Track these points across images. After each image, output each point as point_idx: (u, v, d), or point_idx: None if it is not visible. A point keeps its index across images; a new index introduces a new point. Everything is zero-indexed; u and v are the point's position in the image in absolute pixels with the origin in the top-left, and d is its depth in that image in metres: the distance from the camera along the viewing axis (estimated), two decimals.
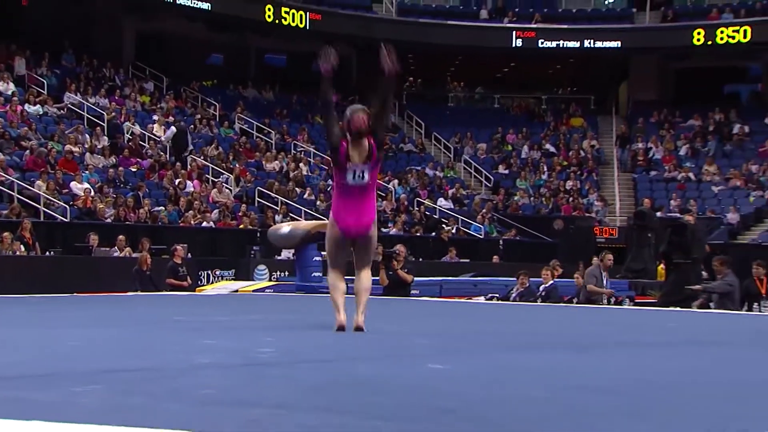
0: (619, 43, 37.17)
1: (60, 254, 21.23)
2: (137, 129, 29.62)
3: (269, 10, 34.05)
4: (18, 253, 19.80)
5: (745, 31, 35.23)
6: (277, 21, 34.24)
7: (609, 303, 17.82)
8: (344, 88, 38.54)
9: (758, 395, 5.16)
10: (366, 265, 8.59)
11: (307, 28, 34.87)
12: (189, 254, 21.36)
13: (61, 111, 29.03)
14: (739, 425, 3.74)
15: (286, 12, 34.38)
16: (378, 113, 8.33)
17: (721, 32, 35.47)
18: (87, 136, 28.00)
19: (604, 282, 18.21)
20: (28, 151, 25.47)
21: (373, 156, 8.21)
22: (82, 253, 21.32)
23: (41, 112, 28.30)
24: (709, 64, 38.64)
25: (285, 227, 21.76)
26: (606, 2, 39.91)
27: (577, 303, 18.14)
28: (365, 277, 8.52)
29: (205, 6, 32.73)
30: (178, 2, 32.12)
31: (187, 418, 3.83)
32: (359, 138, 8.15)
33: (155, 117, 30.81)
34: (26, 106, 28.07)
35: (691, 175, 34.79)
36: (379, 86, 8.48)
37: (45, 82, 29.87)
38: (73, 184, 24.92)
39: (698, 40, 35.86)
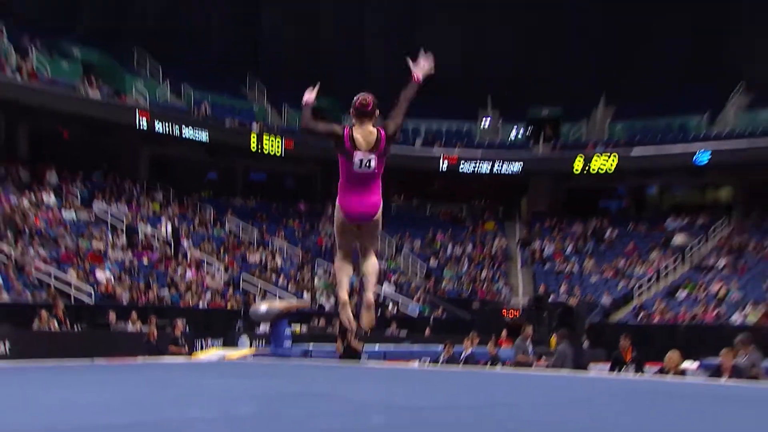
0: (521, 166, 37.59)
1: (86, 329, 21.14)
2: (149, 230, 29.46)
3: (254, 139, 34.20)
4: (53, 328, 19.58)
5: (612, 160, 35.87)
6: (259, 148, 34.38)
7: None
8: (311, 198, 38.66)
9: None
10: (372, 249, 7.41)
11: (282, 154, 34.97)
12: (187, 327, 21.03)
13: (90, 216, 28.79)
14: None
15: (267, 141, 34.53)
16: (396, 110, 7.17)
17: (595, 161, 36.08)
18: (109, 235, 27.81)
19: (530, 350, 18.05)
20: (63, 248, 25.27)
21: (381, 145, 6.92)
22: (103, 328, 21.18)
23: (74, 217, 28.06)
24: (587, 185, 39.11)
25: (263, 306, 21.38)
26: (510, 137, 40.35)
27: (490, 367, 17.92)
28: (372, 261, 7.38)
29: (204, 137, 32.83)
30: (183, 135, 32.21)
31: None
32: (363, 118, 6.90)
33: (163, 220, 30.61)
34: (63, 212, 27.89)
35: (574, 268, 35.04)
36: (407, 87, 7.33)
37: (78, 193, 29.67)
38: (97, 273, 24.78)
39: (578, 166, 36.44)
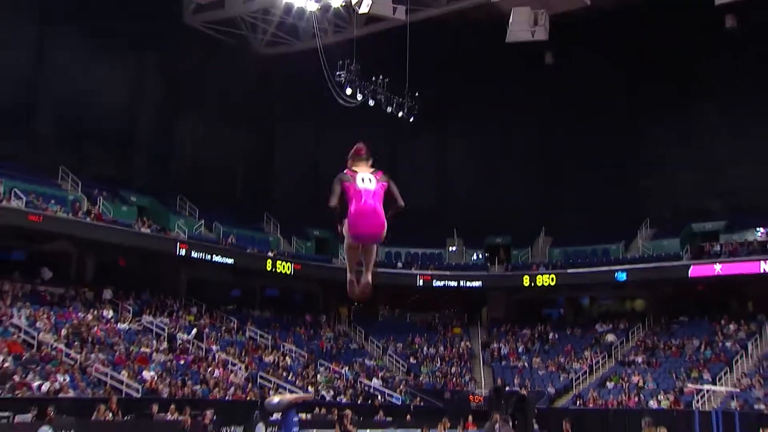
0: (480, 283, 37.84)
1: (133, 419, 20.62)
2: (185, 337, 29.29)
3: (269, 263, 34.37)
4: (107, 419, 19.28)
5: (552, 278, 36.17)
6: (273, 269, 34.51)
7: None
8: (315, 310, 38.62)
9: None
10: (372, 261, 6.70)
11: (292, 273, 35.13)
12: (215, 416, 20.78)
13: (139, 327, 28.69)
14: None
15: (279, 264, 34.68)
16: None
17: (539, 278, 36.34)
18: (154, 342, 27.62)
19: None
20: (117, 352, 25.08)
21: (379, 173, 6.40)
22: (147, 418, 20.80)
23: (127, 328, 27.96)
24: (533, 297, 39.29)
25: (276, 398, 21.10)
26: (472, 259, 40.71)
27: None
28: (372, 250, 6.64)
29: (230, 262, 33.05)
30: (213, 260, 32.43)
31: None
32: (359, 161, 6.47)
33: (195, 330, 30.50)
34: (118, 324, 27.79)
35: (525, 364, 34.86)
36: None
37: (131, 308, 29.62)
38: (144, 372, 24.47)
39: (526, 282, 36.67)
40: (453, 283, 37.82)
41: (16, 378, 20.25)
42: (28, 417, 17.85)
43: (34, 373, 21.09)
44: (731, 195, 36.05)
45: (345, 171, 6.37)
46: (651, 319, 36.13)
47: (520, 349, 36.31)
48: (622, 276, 34.71)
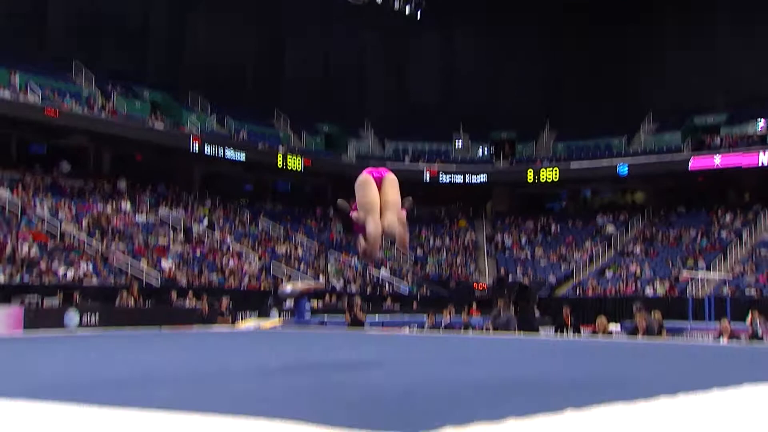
0: (486, 177, 37.71)
1: (154, 305, 21.04)
2: (200, 229, 29.50)
3: (280, 158, 34.24)
4: (129, 305, 19.61)
5: (555, 171, 36.00)
6: (284, 165, 34.41)
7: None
8: (324, 203, 38.70)
9: (571, 384, 5.14)
10: (392, 208, 6.00)
11: (302, 169, 35.04)
12: (230, 304, 21.12)
13: (156, 219, 28.87)
14: (558, 402, 3.70)
15: (290, 159, 34.56)
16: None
17: (542, 173, 36.18)
18: (171, 233, 27.85)
19: (501, 315, 17.74)
20: (136, 243, 25.31)
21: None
22: (166, 304, 21.16)
23: (145, 220, 28.14)
24: (536, 191, 39.24)
25: (288, 287, 21.63)
26: (477, 154, 40.45)
27: (463, 331, 18.03)
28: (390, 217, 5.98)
29: (242, 157, 32.90)
30: (226, 156, 32.27)
31: (224, 406, 3.74)
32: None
33: (206, 219, 30.70)
34: (136, 216, 27.95)
35: (528, 255, 35.16)
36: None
37: (147, 201, 29.74)
38: (162, 262, 24.77)
39: (530, 176, 36.54)
40: (459, 177, 37.69)
41: (42, 265, 20.48)
42: (55, 301, 18.15)
43: (59, 261, 21.32)
44: (733, 88, 35.39)
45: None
46: (650, 211, 36.17)
47: (523, 241, 36.54)
48: (623, 169, 34.50)
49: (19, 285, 18.90)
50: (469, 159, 39.76)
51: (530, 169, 36.62)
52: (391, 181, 6.09)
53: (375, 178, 6.07)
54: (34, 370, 6.57)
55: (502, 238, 37.01)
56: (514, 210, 39.76)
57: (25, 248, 21.09)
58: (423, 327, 18.67)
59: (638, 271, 30.92)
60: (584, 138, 38.04)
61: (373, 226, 5.95)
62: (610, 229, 35.58)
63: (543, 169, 36.16)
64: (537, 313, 23.99)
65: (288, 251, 31.14)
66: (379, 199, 5.99)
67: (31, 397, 4.05)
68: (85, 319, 17.34)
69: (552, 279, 32.28)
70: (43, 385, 5.04)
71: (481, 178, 37.65)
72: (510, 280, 32.02)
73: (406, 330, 19.26)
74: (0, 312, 16.06)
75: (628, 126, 37.37)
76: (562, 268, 33.39)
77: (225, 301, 20.14)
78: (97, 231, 24.74)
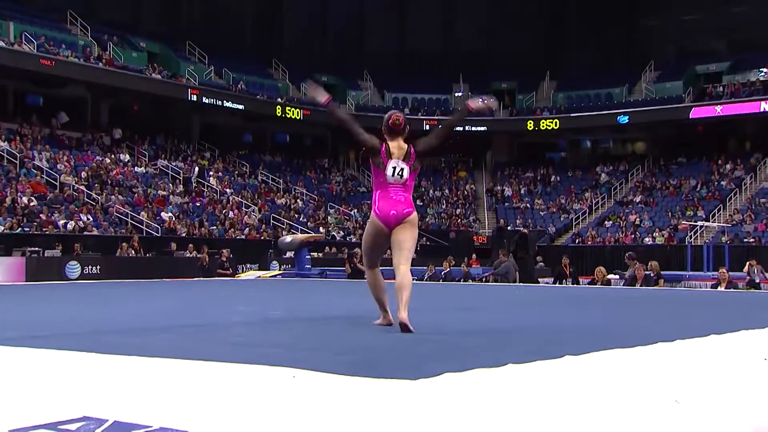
0: (486, 127, 37.49)
1: (154, 256, 21.09)
2: (200, 180, 29.46)
3: (279, 109, 33.99)
4: (130, 255, 19.66)
5: (555, 122, 35.79)
6: (283, 115, 34.17)
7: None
8: (324, 154, 38.58)
9: (569, 332, 5.18)
10: (406, 261, 5.28)
11: (301, 119, 34.80)
12: (231, 255, 21.20)
13: (156, 170, 28.80)
14: (556, 349, 3.73)
15: (288, 110, 34.30)
16: (436, 131, 5.81)
17: (542, 123, 35.98)
18: (170, 185, 27.82)
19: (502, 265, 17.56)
20: (136, 194, 25.31)
21: (412, 158, 5.33)
22: (167, 255, 21.22)
23: (144, 171, 28.07)
24: (536, 140, 39.03)
25: (288, 238, 21.70)
26: None
27: (462, 282, 18.15)
28: (405, 273, 5.22)
29: (241, 107, 32.65)
30: (225, 105, 32.01)
31: (223, 354, 3.76)
32: (396, 135, 5.41)
33: (210, 173, 30.67)
34: (135, 167, 27.88)
35: (527, 205, 35.18)
36: (456, 113, 5.25)
37: (146, 153, 29.63)
38: (162, 213, 24.79)
39: (530, 126, 36.35)
40: (458, 128, 37.30)
41: (43, 216, 20.48)
42: (55, 253, 18.19)
43: (59, 212, 21.32)
44: (736, 35, 34.97)
45: (381, 146, 5.35)
46: (650, 161, 36.06)
47: (522, 191, 36.52)
48: (624, 119, 34.28)
49: (19, 235, 18.92)
50: None
51: (530, 120, 36.41)
52: (410, 226, 5.35)
53: (391, 218, 5.31)
54: (38, 318, 6.61)
55: (502, 188, 36.98)
56: (513, 160, 39.65)
57: (25, 199, 21.08)
58: (422, 277, 18.79)
59: (638, 220, 30.98)
60: (585, 88, 37.71)
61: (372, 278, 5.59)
62: (604, 177, 35.54)
63: (543, 120, 35.95)
64: (541, 263, 24.07)
65: (288, 203, 31.14)
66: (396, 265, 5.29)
67: (35, 345, 4.07)
68: (86, 270, 17.42)
69: (551, 229, 32.35)
70: (48, 333, 5.07)
71: (481, 128, 37.41)
72: (509, 229, 32.01)
73: None
74: (3, 263, 16.12)
75: (630, 75, 37.02)
76: (562, 218, 33.44)
77: (225, 253, 20.21)
78: (96, 182, 24.69)
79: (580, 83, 37.70)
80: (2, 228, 18.88)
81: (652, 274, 14.56)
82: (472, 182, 38.32)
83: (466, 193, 37.17)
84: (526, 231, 26.97)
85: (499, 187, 37.15)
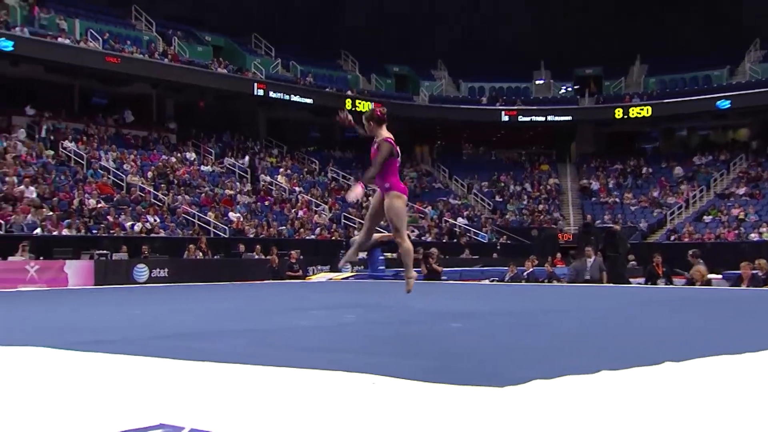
0: (570, 117, 36.91)
1: (222, 257, 21.42)
2: (268, 179, 29.91)
3: (349, 102, 34.19)
4: (198, 257, 20.07)
5: (647, 109, 34.94)
6: (353, 108, 34.26)
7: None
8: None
9: (665, 336, 5.06)
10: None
11: None
12: (301, 256, 21.41)
13: (222, 169, 29.40)
14: (653, 355, 3.64)
15: (359, 103, 34.46)
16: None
17: (632, 110, 35.16)
18: (237, 183, 28.33)
19: (588, 266, 17.26)
20: (203, 194, 25.87)
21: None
22: (235, 257, 21.57)
23: (210, 170, 28.69)
24: (625, 130, 38.14)
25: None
26: (560, 92, 39.55)
27: (547, 283, 17.87)
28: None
29: (309, 101, 33.01)
30: (292, 99, 32.42)
31: (297, 360, 3.82)
32: (383, 123, 6.51)
33: (279, 170, 31.14)
34: (201, 167, 28.52)
35: (616, 199, 34.46)
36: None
37: (213, 151, 30.28)
38: (230, 214, 25.23)
39: (618, 114, 35.57)
40: (540, 118, 37.00)
41: (110, 218, 21.18)
42: (123, 255, 18.78)
43: (126, 213, 22.01)
44: None
45: (393, 143, 6.40)
46: (755, 149, 34.79)
47: (611, 185, 35.80)
48: (724, 104, 33.15)
49: (87, 238, 19.62)
50: (551, 98, 38.94)
51: (618, 107, 35.61)
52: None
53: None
54: (109, 322, 6.85)
55: (588, 181, 36.31)
56: (601, 151, 38.88)
57: (92, 201, 21.86)
58: (504, 278, 18.60)
59: (741, 214, 29.94)
60: (680, 71, 36.69)
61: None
62: (709, 169, 34.47)
63: (633, 107, 35.10)
64: (633, 261, 23.51)
65: (359, 200, 31.26)
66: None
67: (107, 350, 4.23)
68: (154, 273, 17.92)
69: (643, 225, 31.59)
70: (119, 337, 5.25)
71: (565, 117, 36.83)
72: (597, 226, 31.40)
73: (486, 282, 19.25)
74: (72, 266, 16.75)
75: (731, 56, 35.75)
76: (655, 213, 32.62)
77: (294, 254, 20.45)
78: (162, 182, 25.38)
79: (674, 66, 36.66)
80: (66, 231, 19.61)
81: (760, 274, 14.04)
82: (556, 176, 37.79)
83: (549, 187, 36.68)
84: (617, 227, 26.42)
85: (585, 181, 36.52)
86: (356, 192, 6.34)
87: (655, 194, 33.95)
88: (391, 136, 6.44)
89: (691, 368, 3.39)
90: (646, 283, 17.11)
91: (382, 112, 6.54)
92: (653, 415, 2.51)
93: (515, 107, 37.28)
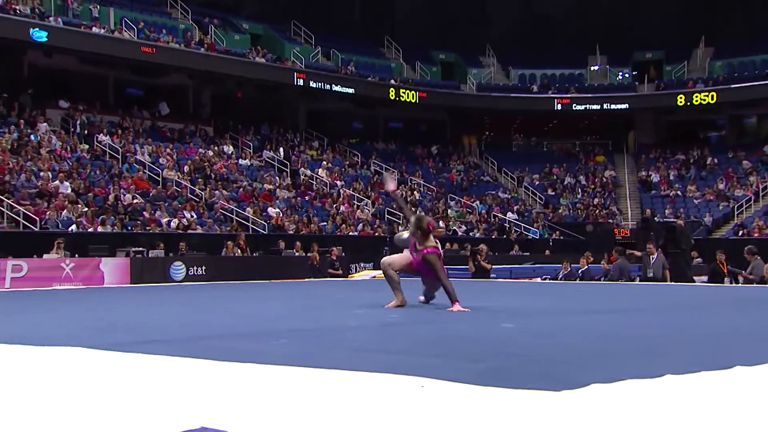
0: (627, 105, 36.46)
1: (262, 255, 21.60)
2: (308, 172, 30.07)
3: (392, 91, 34.25)
4: (236, 254, 20.27)
5: (712, 95, 34.34)
6: (397, 98, 34.39)
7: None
8: (441, 141, 38.54)
9: (735, 339, 4.97)
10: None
11: (417, 102, 34.90)
12: (343, 253, 21.50)
13: (261, 162, 29.64)
14: (722, 359, 3.59)
15: (403, 92, 34.51)
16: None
17: (696, 97, 34.59)
18: (277, 178, 28.53)
19: (651, 263, 16.89)
20: (241, 189, 26.10)
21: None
22: (275, 254, 21.73)
23: (249, 164, 28.95)
24: (689, 118, 37.57)
25: (405, 234, 21.62)
26: (617, 78, 39.06)
27: (604, 281, 17.68)
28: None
29: (351, 91, 33.10)
30: (333, 89, 32.54)
31: (342, 361, 3.84)
32: (429, 236, 7.89)
33: (321, 164, 31.31)
34: (239, 160, 28.79)
35: (678, 192, 33.94)
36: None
37: (251, 143, 30.53)
38: (269, 209, 25.40)
39: (681, 101, 35.01)
40: (596, 106, 36.59)
41: (146, 214, 21.52)
42: (160, 253, 19.05)
43: (162, 209, 22.34)
44: None
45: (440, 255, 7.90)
46: None
47: (672, 177, 35.27)
48: None
49: (123, 235, 19.96)
50: (608, 85, 38.48)
51: (681, 94, 35.06)
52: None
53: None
54: (148, 322, 6.97)
55: (648, 173, 35.82)
56: (661, 141, 38.34)
57: (128, 197, 22.23)
58: (557, 276, 18.47)
59: None
60: (748, 54, 35.95)
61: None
62: (747, 164, 33.83)
63: (697, 93, 34.52)
64: (698, 258, 23.13)
65: (403, 195, 31.30)
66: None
67: (147, 351, 4.31)
68: (191, 271, 18.17)
69: (708, 219, 31.05)
70: (159, 338, 5.35)
71: (622, 105, 36.37)
72: (657, 221, 30.94)
73: (538, 280, 19.12)
74: (107, 264, 17.06)
75: None
76: (721, 206, 32.05)
77: (336, 251, 20.53)
78: (199, 177, 25.69)
79: (742, 49, 35.98)
80: (101, 227, 19.96)
81: None
82: (612, 168, 37.37)
83: (604, 180, 36.29)
84: (680, 222, 25.98)
85: (644, 173, 36.03)
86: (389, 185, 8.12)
87: (721, 186, 33.35)
88: (437, 247, 7.82)
89: (764, 373, 3.34)
90: (709, 282, 16.83)
91: (434, 226, 7.83)
92: (722, 425, 2.47)
93: (569, 95, 36.93)
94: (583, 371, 3.49)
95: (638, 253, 17.21)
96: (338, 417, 2.61)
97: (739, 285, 15.87)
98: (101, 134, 25.84)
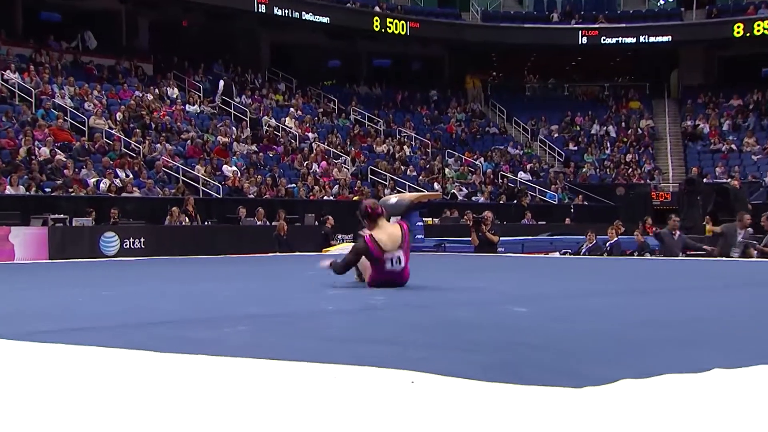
0: (670, 37, 36.48)
1: (215, 224, 21.56)
2: (273, 122, 29.99)
3: (377, 20, 34.12)
4: (183, 223, 20.22)
5: None
6: (383, 30, 34.27)
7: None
8: (438, 84, 38.47)
9: None
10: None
11: (408, 34, 34.79)
12: (316, 222, 21.49)
13: (214, 109, 29.50)
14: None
15: (390, 22, 34.40)
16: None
17: (758, 25, 34.63)
18: (234, 128, 28.43)
19: (739, 238, 16.82)
20: (189, 142, 26.00)
21: (405, 238, 7.69)
22: (232, 223, 21.70)
23: (198, 111, 28.81)
24: (747, 52, 37.59)
25: (393, 198, 21.70)
26: (658, 3, 39.05)
27: (637, 256, 17.77)
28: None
29: (325, 20, 32.95)
30: (303, 18, 32.37)
31: (314, 353, 3.87)
32: (378, 219, 7.69)
33: (289, 112, 31.19)
34: (186, 106, 28.63)
35: (733, 146, 34.07)
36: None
37: (201, 86, 30.35)
38: (224, 167, 25.33)
39: (738, 32, 35.06)
40: (630, 39, 36.61)
41: (68, 172, 21.32)
42: (87, 221, 18.93)
43: (89, 167, 22.18)
44: None
45: (368, 242, 7.59)
46: None
47: (725, 127, 35.42)
48: None
49: (39, 198, 19.80)
50: (646, 12, 38.48)
51: (738, 23, 35.05)
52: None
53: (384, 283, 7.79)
54: (76, 306, 6.97)
55: (694, 123, 35.93)
56: (712, 83, 38.47)
57: (45, 150, 22.05)
58: (579, 250, 18.55)
59: None
60: None
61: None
62: None
63: (759, 21, 34.49)
64: (749, 231, 23.23)
65: (391, 150, 31.28)
66: None
67: (79, 341, 4.31)
68: (126, 244, 18.11)
69: None
70: (92, 325, 5.36)
71: (663, 38, 36.38)
72: (706, 182, 31.06)
73: (556, 254, 19.20)
74: (19, 234, 16.92)
75: None
76: None
77: (330, 219, 20.51)
78: (136, 126, 25.52)
79: None
80: (11, 189, 19.76)
81: None
82: (650, 116, 37.47)
83: (640, 131, 36.39)
84: (735, 183, 26.12)
85: (689, 122, 36.14)
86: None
87: None
88: (371, 235, 7.63)
89: None
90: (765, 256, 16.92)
91: (372, 208, 7.70)
92: None
93: (597, 25, 36.89)
94: (611, 364, 3.54)
95: (718, 229, 16.95)
96: (308, 420, 2.64)
97: None
98: (8, 71, 25.56)
